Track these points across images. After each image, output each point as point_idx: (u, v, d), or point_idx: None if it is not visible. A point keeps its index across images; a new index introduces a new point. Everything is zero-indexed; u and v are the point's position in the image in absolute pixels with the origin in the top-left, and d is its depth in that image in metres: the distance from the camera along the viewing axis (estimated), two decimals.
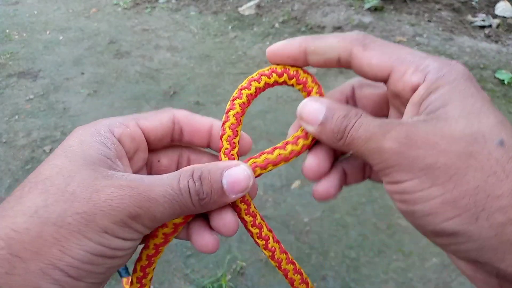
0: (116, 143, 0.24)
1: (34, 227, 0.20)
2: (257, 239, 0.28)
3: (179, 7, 3.21)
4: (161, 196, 0.22)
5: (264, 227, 0.28)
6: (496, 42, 2.40)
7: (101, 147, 0.23)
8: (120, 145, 0.24)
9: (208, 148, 0.30)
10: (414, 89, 0.23)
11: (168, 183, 0.23)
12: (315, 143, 0.29)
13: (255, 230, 0.28)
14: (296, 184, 1.60)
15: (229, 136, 0.27)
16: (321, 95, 0.29)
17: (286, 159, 0.28)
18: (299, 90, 0.30)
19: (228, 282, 1.28)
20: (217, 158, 0.29)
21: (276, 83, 0.28)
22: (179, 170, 0.24)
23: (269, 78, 0.27)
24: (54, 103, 2.14)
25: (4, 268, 0.19)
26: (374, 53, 0.24)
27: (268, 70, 0.28)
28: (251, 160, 0.28)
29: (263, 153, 0.28)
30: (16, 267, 0.19)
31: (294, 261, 0.29)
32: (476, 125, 0.20)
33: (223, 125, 0.28)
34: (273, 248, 0.28)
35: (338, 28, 2.63)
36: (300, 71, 0.28)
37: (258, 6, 3.02)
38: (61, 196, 0.21)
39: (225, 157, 0.28)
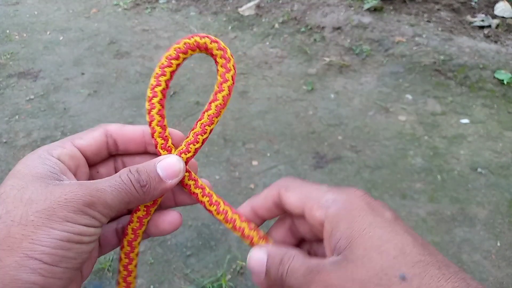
0: (57, 162, 0.27)
1: (1, 231, 0.22)
2: (208, 207, 0.31)
3: (179, 8, 3.21)
4: (108, 186, 0.26)
5: (214, 195, 0.32)
6: (496, 42, 2.40)
7: (45, 166, 0.26)
8: (61, 163, 0.27)
9: (146, 153, 0.33)
10: (321, 224, 0.26)
11: (111, 178, 0.27)
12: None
13: (205, 199, 0.31)
14: None
15: (159, 132, 0.30)
16: (226, 59, 0.30)
17: (203, 133, 0.31)
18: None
19: (228, 282, 1.28)
20: (150, 159, 0.32)
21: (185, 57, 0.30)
22: (117, 172, 0.28)
23: (177, 59, 0.29)
24: (54, 103, 2.14)
25: None
26: (291, 193, 0.28)
27: (174, 53, 0.29)
28: (176, 151, 0.31)
29: (186, 138, 0.32)
30: None
31: (247, 220, 0.32)
32: (379, 264, 0.22)
33: (150, 124, 0.30)
34: (224, 210, 0.31)
35: (337, 28, 2.63)
36: (207, 42, 0.30)
37: (258, 6, 3.02)
38: (20, 202, 0.23)
39: (163, 151, 0.31)
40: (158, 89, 0.29)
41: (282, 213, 0.31)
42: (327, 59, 2.43)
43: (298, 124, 1.95)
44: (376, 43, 2.50)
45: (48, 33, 2.88)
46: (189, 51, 0.29)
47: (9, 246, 0.22)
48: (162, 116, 0.30)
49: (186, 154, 0.31)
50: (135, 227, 0.30)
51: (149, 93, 0.29)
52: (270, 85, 2.26)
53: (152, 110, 0.30)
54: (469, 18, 2.63)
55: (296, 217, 0.31)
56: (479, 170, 1.70)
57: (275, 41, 2.68)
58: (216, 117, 0.31)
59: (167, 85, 0.30)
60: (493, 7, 2.67)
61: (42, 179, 0.25)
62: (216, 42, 0.30)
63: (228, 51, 0.30)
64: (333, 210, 0.25)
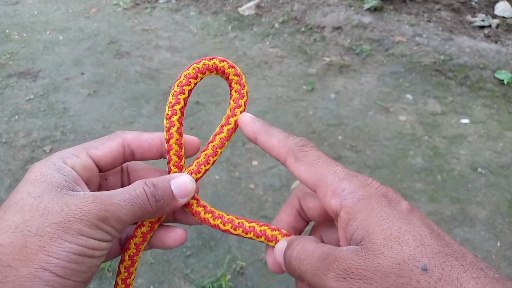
0: (71, 171, 0.27)
1: (18, 240, 0.23)
2: (212, 222, 0.31)
3: (179, 7, 3.21)
4: (122, 200, 0.26)
5: (215, 211, 0.32)
6: (496, 42, 2.40)
7: (60, 175, 0.26)
8: (75, 172, 0.27)
9: (160, 159, 0.33)
10: (335, 213, 0.25)
11: (126, 191, 0.27)
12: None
13: (208, 215, 0.31)
14: (296, 184, 1.61)
15: (176, 151, 0.31)
16: (241, 85, 0.31)
17: (214, 155, 0.32)
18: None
19: (228, 282, 1.28)
20: (154, 168, 0.33)
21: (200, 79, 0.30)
22: (133, 183, 0.28)
23: (189, 84, 0.30)
24: (54, 103, 2.14)
25: None
26: (302, 168, 0.27)
27: (192, 72, 0.30)
28: (187, 169, 0.32)
29: (196, 159, 0.32)
30: (9, 275, 0.22)
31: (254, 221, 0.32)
32: (400, 254, 0.22)
33: (167, 142, 0.30)
34: (229, 219, 0.31)
35: (338, 28, 2.63)
36: (217, 63, 0.30)
37: (258, 6, 3.02)
38: (36, 212, 0.24)
39: (174, 168, 0.31)
40: (177, 107, 0.30)
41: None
42: (327, 59, 2.43)
43: (298, 124, 1.95)
44: (376, 43, 2.50)
45: (48, 33, 2.88)
46: (207, 72, 0.30)
47: (25, 257, 0.22)
48: (180, 134, 0.30)
49: (196, 175, 0.31)
50: (138, 242, 0.31)
51: (168, 111, 0.30)
52: (270, 85, 2.26)
53: (171, 128, 0.30)
54: (469, 18, 2.62)
55: (303, 199, 0.31)
56: (479, 170, 1.70)
57: (275, 41, 2.68)
58: (227, 141, 0.32)
59: (185, 103, 0.30)
60: (493, 7, 2.67)
61: (57, 188, 0.25)
62: (234, 67, 0.30)
63: (243, 77, 0.31)
64: (350, 202, 0.24)
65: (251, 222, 0.31)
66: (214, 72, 0.30)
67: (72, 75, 2.37)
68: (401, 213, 0.24)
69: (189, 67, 0.29)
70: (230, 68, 0.30)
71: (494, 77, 2.16)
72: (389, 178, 1.66)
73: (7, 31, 2.87)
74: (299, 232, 0.32)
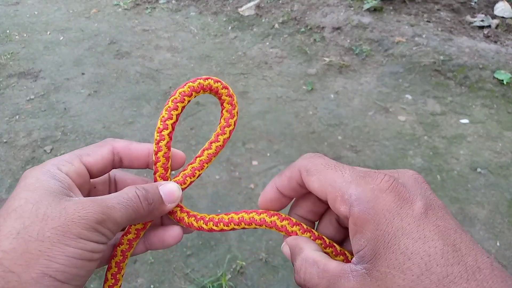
0: (65, 177, 0.28)
1: (19, 246, 0.23)
2: (195, 224, 0.32)
3: (179, 8, 3.22)
4: (117, 203, 0.27)
5: (198, 213, 0.33)
6: (495, 42, 2.40)
7: (56, 181, 0.27)
8: (69, 179, 0.28)
9: (146, 169, 0.35)
10: (347, 217, 0.25)
11: (119, 195, 0.28)
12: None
13: (191, 219, 0.33)
14: None
15: (163, 163, 0.32)
16: (232, 105, 0.33)
17: (200, 168, 0.33)
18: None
19: (228, 281, 1.29)
20: (141, 178, 0.34)
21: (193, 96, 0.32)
22: (125, 188, 0.29)
23: (183, 102, 0.31)
24: (55, 103, 2.15)
25: (0, 283, 0.22)
26: (314, 179, 0.27)
27: (187, 90, 0.31)
28: (173, 180, 0.33)
29: (183, 171, 0.34)
30: (11, 280, 0.22)
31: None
32: (401, 285, 0.21)
33: (155, 154, 0.32)
34: (212, 218, 0.32)
35: (337, 29, 2.64)
36: (211, 83, 0.31)
37: (258, 6, 3.03)
38: (36, 218, 0.24)
39: (160, 179, 0.33)
40: (169, 122, 0.31)
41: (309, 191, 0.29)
42: (327, 59, 2.44)
43: (298, 124, 1.95)
44: (376, 43, 2.50)
45: (48, 33, 2.88)
46: (201, 91, 0.31)
47: (27, 262, 0.23)
48: (168, 148, 0.32)
49: (181, 185, 0.33)
50: (124, 249, 0.31)
51: (159, 125, 0.31)
52: (270, 85, 2.26)
53: (161, 141, 0.31)
54: (468, 18, 2.63)
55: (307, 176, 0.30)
56: (478, 170, 1.71)
57: (275, 41, 2.68)
58: (214, 156, 0.33)
59: (177, 119, 0.31)
60: (492, 7, 2.67)
61: (54, 194, 0.26)
62: (227, 88, 0.32)
63: (235, 98, 0.32)
64: (357, 210, 0.23)
65: (250, 213, 0.31)
66: (208, 91, 0.31)
67: (72, 75, 2.38)
68: (414, 221, 0.22)
69: (185, 85, 0.30)
70: (224, 89, 0.31)
71: (494, 77, 2.17)
72: None
73: (8, 31, 2.87)
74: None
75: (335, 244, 0.29)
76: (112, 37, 2.81)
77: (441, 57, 2.30)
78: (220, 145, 0.33)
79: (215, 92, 0.31)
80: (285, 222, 0.30)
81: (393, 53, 2.42)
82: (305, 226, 0.30)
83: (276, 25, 2.82)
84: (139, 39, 2.79)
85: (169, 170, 0.33)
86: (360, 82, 2.27)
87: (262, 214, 0.30)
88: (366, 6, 2.67)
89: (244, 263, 1.34)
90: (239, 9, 3.05)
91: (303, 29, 2.73)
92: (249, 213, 0.30)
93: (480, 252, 0.21)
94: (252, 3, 3.04)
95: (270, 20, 2.88)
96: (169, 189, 0.31)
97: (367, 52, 2.45)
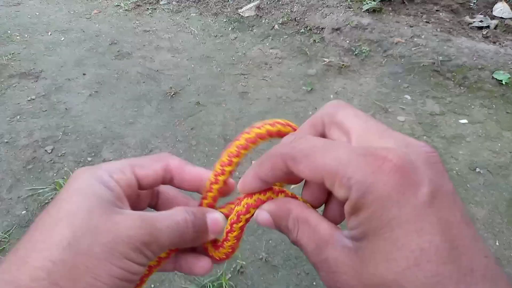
0: (116, 187, 0.27)
1: (68, 258, 0.23)
2: (215, 255, 0.31)
3: (180, 9, 3.23)
4: (165, 226, 0.26)
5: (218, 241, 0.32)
6: (494, 43, 2.41)
7: (107, 190, 0.26)
8: (120, 189, 0.27)
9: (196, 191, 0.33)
10: (344, 202, 0.23)
11: (169, 217, 0.27)
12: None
13: (211, 250, 0.31)
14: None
15: (214, 195, 0.31)
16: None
17: (245, 213, 0.30)
18: None
19: (228, 281, 1.29)
20: (182, 194, 0.33)
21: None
22: (173, 209, 0.28)
23: (246, 148, 0.29)
24: (56, 103, 2.15)
25: None
26: (303, 166, 0.24)
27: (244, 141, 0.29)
28: (221, 210, 0.32)
29: (231, 203, 0.31)
30: None
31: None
32: (383, 274, 0.20)
33: (211, 184, 0.31)
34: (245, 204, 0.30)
35: (337, 29, 2.65)
36: (281, 129, 0.29)
37: (258, 7, 3.04)
38: (87, 229, 0.23)
39: (205, 206, 0.32)
40: (236, 159, 0.29)
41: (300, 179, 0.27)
42: (327, 60, 2.45)
43: (298, 124, 1.96)
44: (375, 44, 2.51)
45: (49, 33, 2.89)
46: (267, 138, 0.29)
47: (73, 277, 0.22)
48: (225, 184, 0.31)
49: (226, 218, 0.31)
50: (152, 265, 0.30)
51: (224, 159, 0.30)
52: (270, 86, 2.27)
53: (221, 175, 0.30)
54: (467, 19, 2.64)
55: (329, 127, 0.28)
56: (477, 170, 1.71)
57: (275, 42, 2.69)
58: (260, 204, 0.29)
59: (231, 172, 0.30)
60: (491, 8, 2.68)
61: (106, 203, 0.25)
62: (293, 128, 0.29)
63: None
64: (355, 196, 0.21)
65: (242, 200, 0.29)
66: (277, 137, 0.29)
67: (73, 76, 2.39)
68: (414, 211, 0.20)
69: (250, 131, 0.29)
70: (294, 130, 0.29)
71: (493, 77, 2.18)
72: None
73: (9, 32, 2.88)
74: None
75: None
76: (113, 37, 2.82)
77: (440, 58, 2.31)
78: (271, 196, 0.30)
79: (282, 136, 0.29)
80: (268, 194, 0.28)
81: (392, 53, 2.43)
82: (289, 193, 0.29)
83: (276, 26, 2.83)
84: (140, 39, 2.80)
85: (217, 201, 0.32)
86: (359, 82, 2.28)
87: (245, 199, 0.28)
88: (366, 7, 2.68)
89: (244, 262, 1.35)
90: (239, 10, 3.06)
91: (302, 30, 2.74)
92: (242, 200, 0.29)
93: (478, 251, 0.20)
94: (252, 4, 3.05)
95: (270, 21, 2.89)
96: (215, 219, 0.30)
97: (366, 52, 2.46)
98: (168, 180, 0.31)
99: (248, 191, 0.28)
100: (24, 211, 1.57)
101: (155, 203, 0.33)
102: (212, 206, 0.31)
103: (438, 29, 2.52)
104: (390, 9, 2.74)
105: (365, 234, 0.21)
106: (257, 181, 0.27)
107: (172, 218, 0.27)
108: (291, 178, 0.26)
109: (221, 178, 0.30)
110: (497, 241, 1.44)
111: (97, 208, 0.24)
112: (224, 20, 3.01)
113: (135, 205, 0.31)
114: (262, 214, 0.28)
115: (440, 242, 0.19)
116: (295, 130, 0.29)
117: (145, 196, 0.32)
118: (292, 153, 0.24)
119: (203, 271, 0.31)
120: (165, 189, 0.33)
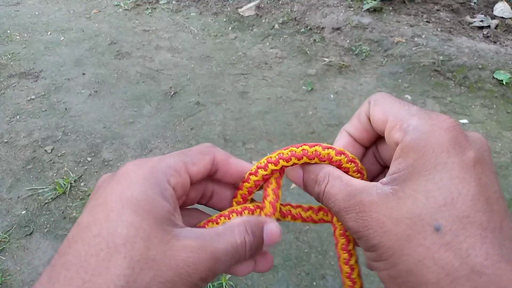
0: (173, 194, 0.25)
1: None
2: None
3: (180, 8, 3.22)
4: (224, 254, 0.24)
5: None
6: (495, 42, 2.41)
7: (164, 202, 0.24)
8: (175, 197, 0.26)
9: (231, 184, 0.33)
10: (396, 144, 0.24)
11: (229, 240, 0.25)
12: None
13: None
14: (295, 184, 1.61)
15: (250, 186, 0.31)
16: (359, 172, 0.29)
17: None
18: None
19: (228, 280, 1.29)
20: (234, 191, 0.32)
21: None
22: (232, 224, 0.26)
23: (288, 161, 0.29)
24: (55, 103, 2.15)
25: None
26: (377, 108, 0.26)
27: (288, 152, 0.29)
28: (264, 212, 0.31)
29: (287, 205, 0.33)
30: None
31: None
32: (420, 208, 0.21)
33: (249, 175, 0.30)
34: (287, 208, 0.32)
35: (337, 29, 2.64)
36: (320, 150, 0.28)
37: (258, 7, 3.03)
38: (145, 264, 0.22)
39: (239, 198, 0.32)
40: (271, 167, 0.30)
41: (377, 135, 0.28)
42: (327, 60, 2.44)
43: (298, 124, 1.96)
44: (375, 43, 2.51)
45: (49, 33, 2.89)
46: (316, 159, 0.29)
47: None
48: (264, 180, 0.31)
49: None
50: None
51: (252, 169, 0.30)
52: (270, 86, 2.27)
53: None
54: (468, 18, 2.64)
55: (380, 142, 0.30)
56: None
57: (275, 42, 2.69)
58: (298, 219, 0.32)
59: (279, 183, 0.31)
60: (492, 8, 2.68)
61: (163, 224, 0.23)
62: (354, 162, 0.29)
63: (364, 170, 0.30)
64: (409, 138, 0.23)
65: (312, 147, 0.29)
66: (327, 162, 0.28)
67: (73, 76, 2.39)
68: (460, 164, 0.21)
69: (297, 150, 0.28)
70: (350, 163, 0.28)
71: (493, 77, 2.17)
72: None
73: (8, 31, 2.88)
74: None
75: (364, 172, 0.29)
76: (112, 37, 2.81)
77: (441, 58, 2.31)
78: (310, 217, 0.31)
79: (337, 166, 0.28)
80: (330, 151, 0.28)
81: (392, 53, 2.43)
82: (350, 155, 0.28)
83: (276, 26, 2.83)
84: (140, 39, 2.79)
85: (251, 196, 0.31)
86: (359, 82, 2.28)
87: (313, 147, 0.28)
88: (366, 7, 2.68)
89: None
90: (239, 10, 3.05)
91: (303, 30, 2.74)
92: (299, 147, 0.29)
93: (509, 220, 0.21)
94: (252, 4, 3.05)
95: (270, 21, 2.89)
96: (271, 231, 0.27)
97: (366, 52, 2.46)
98: (212, 173, 0.30)
99: (338, 146, 0.29)
100: (24, 211, 1.56)
101: (206, 202, 0.32)
102: (245, 198, 0.31)
103: (439, 29, 2.52)
104: (390, 8, 2.74)
105: (410, 175, 0.22)
106: (344, 135, 0.29)
107: (231, 242, 0.25)
108: (368, 128, 0.28)
109: (261, 171, 0.30)
110: None
111: (155, 232, 0.22)
112: (224, 19, 3.00)
113: (184, 203, 0.29)
114: (294, 170, 0.29)
115: (477, 195, 0.21)
116: (352, 161, 0.28)
117: (195, 194, 0.31)
118: (377, 97, 0.27)
119: (265, 268, 0.30)
120: (220, 157, 0.31)
